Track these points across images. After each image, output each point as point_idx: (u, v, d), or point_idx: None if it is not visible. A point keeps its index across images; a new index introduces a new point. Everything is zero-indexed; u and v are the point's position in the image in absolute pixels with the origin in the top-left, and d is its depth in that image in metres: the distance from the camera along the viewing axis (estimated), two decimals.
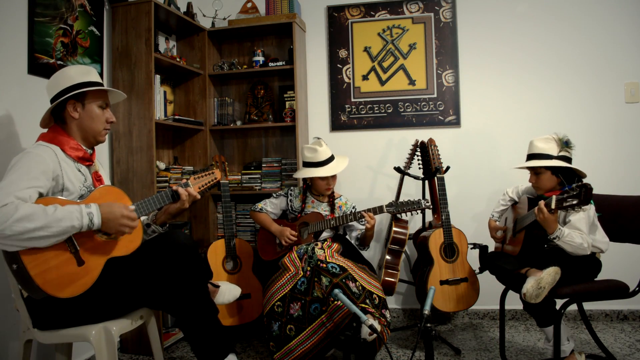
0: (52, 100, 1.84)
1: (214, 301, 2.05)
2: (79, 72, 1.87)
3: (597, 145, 3.11)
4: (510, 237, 2.42)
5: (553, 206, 2.01)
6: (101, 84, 1.91)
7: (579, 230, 2.12)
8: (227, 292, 2.17)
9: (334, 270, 2.29)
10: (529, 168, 2.31)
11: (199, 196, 2.01)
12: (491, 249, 2.59)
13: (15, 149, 2.17)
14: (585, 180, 2.09)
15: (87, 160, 1.88)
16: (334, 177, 2.75)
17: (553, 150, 2.25)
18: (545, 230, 2.10)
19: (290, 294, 2.36)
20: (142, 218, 2.00)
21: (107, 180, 2.01)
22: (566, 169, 2.22)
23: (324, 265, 2.32)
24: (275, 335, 2.33)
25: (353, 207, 2.81)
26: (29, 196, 1.59)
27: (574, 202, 1.96)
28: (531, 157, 2.30)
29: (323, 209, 2.79)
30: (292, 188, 2.93)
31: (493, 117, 3.25)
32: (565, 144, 2.25)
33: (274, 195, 2.91)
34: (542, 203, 2.06)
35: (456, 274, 2.71)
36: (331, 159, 2.73)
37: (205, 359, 1.85)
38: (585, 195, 1.93)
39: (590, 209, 2.19)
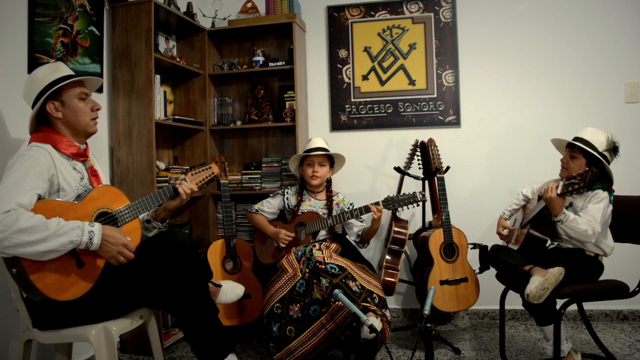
0: (32, 107, 1.81)
1: (215, 301, 2.06)
2: (47, 72, 1.83)
3: None
4: (516, 236, 2.42)
5: (559, 191, 2.05)
6: (73, 76, 1.85)
7: (591, 217, 2.12)
8: (230, 291, 2.16)
9: (333, 270, 2.29)
10: (568, 146, 2.28)
11: (196, 189, 2.02)
12: (495, 242, 2.60)
13: (16, 149, 2.16)
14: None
15: (81, 156, 1.86)
16: (322, 166, 2.75)
17: (600, 145, 2.21)
18: (550, 212, 2.12)
19: (288, 296, 2.36)
20: (142, 215, 2.00)
21: (103, 175, 2.00)
22: (600, 168, 2.19)
23: (323, 266, 2.31)
24: (275, 337, 2.33)
25: (350, 204, 2.81)
26: (29, 201, 1.59)
27: (581, 184, 2.00)
28: (577, 139, 2.26)
29: (320, 207, 2.78)
30: (288, 186, 2.95)
31: (493, 117, 3.25)
32: (613, 148, 2.22)
33: (271, 195, 2.92)
34: (553, 183, 2.10)
35: (456, 274, 2.71)
36: (324, 149, 2.75)
37: (206, 359, 1.85)
38: (590, 178, 1.96)
39: (609, 207, 2.19)
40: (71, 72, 1.88)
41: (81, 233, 1.60)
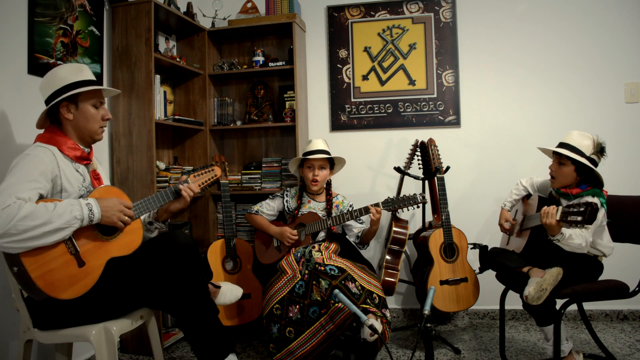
0: (46, 102, 1.83)
1: (214, 301, 2.06)
2: (71, 72, 1.84)
3: None
4: (517, 231, 2.42)
5: (558, 217, 2.01)
6: (94, 82, 1.88)
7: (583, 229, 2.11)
8: (229, 292, 2.17)
9: (332, 272, 2.29)
10: (555, 154, 2.26)
11: (198, 191, 2.03)
12: (494, 242, 2.60)
13: (15, 148, 2.16)
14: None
15: (84, 159, 1.87)
16: (322, 169, 2.74)
17: (587, 149, 2.19)
18: (547, 231, 2.10)
19: (288, 297, 2.35)
20: (143, 216, 2.00)
21: (105, 178, 2.01)
22: (589, 173, 2.19)
23: (322, 268, 2.31)
24: (275, 338, 2.33)
25: (350, 206, 2.81)
26: (29, 198, 1.60)
27: (578, 218, 1.96)
28: (563, 145, 2.24)
29: (320, 208, 2.78)
30: (288, 188, 2.94)
31: (493, 117, 3.25)
32: (600, 150, 2.20)
33: (270, 197, 2.91)
34: (552, 208, 2.05)
35: (456, 274, 2.71)
36: (325, 152, 2.73)
37: (206, 359, 1.85)
38: (590, 215, 1.93)
39: (600, 211, 2.18)
40: (93, 78, 1.89)
41: (80, 207, 1.64)
